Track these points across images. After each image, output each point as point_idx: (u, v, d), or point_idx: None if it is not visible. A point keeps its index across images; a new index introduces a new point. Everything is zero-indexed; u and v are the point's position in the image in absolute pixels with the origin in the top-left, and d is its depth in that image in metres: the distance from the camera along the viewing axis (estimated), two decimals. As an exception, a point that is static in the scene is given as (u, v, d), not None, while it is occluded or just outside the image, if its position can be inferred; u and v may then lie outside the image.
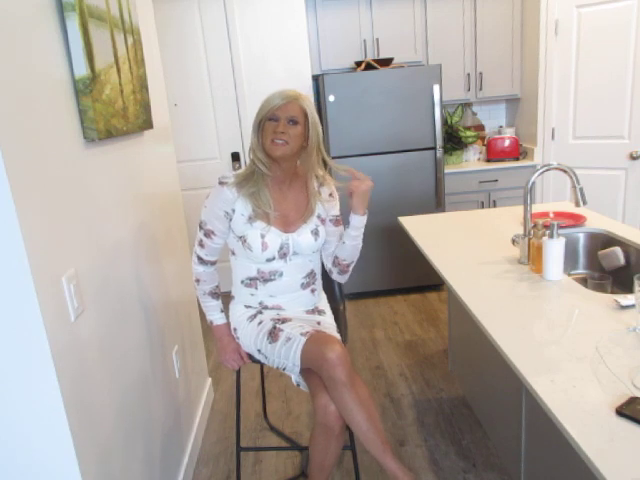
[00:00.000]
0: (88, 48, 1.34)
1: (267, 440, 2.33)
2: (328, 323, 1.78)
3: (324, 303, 1.89)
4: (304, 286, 1.77)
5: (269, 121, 1.60)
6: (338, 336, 1.70)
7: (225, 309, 1.85)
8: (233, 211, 1.67)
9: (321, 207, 1.75)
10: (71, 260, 1.24)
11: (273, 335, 1.64)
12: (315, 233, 1.72)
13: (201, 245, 1.74)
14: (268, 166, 1.65)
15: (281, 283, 1.73)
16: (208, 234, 1.71)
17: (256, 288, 1.75)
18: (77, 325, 1.24)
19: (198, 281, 1.79)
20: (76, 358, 1.23)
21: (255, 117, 1.64)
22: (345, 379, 1.52)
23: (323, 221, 1.76)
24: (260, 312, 1.77)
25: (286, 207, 1.71)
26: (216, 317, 1.83)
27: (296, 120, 1.59)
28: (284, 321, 1.69)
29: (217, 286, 1.83)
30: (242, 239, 1.67)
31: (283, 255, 1.69)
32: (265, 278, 1.73)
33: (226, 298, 1.81)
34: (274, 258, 1.69)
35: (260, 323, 1.72)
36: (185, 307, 2.32)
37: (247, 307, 1.80)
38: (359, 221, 1.70)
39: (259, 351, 1.70)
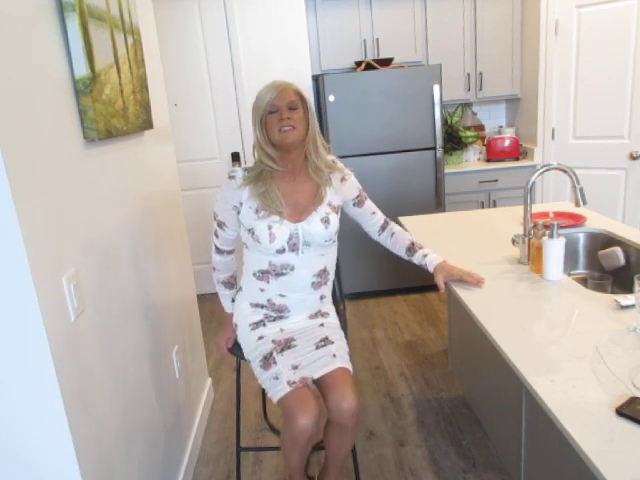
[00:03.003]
0: (88, 48, 1.34)
1: (267, 440, 2.33)
2: (332, 324, 1.78)
3: (329, 306, 1.87)
4: (315, 286, 1.73)
5: (270, 114, 1.59)
6: (342, 343, 1.72)
7: None
8: (241, 204, 1.68)
9: (333, 194, 1.73)
10: (71, 260, 1.24)
11: (266, 364, 1.63)
12: (325, 221, 1.68)
13: (216, 235, 1.80)
14: (277, 160, 1.64)
15: (292, 278, 1.70)
16: (220, 225, 1.76)
17: (268, 282, 1.72)
18: (77, 325, 1.24)
19: (214, 269, 1.86)
20: (76, 358, 1.23)
21: (253, 115, 1.63)
22: (305, 443, 1.59)
23: (335, 209, 1.72)
24: (264, 324, 1.74)
25: (296, 197, 1.69)
26: (227, 305, 1.91)
27: (295, 104, 1.60)
28: (283, 348, 1.67)
29: (232, 276, 1.88)
30: (251, 231, 1.67)
31: (293, 246, 1.66)
32: (277, 272, 1.69)
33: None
34: (284, 250, 1.66)
35: (260, 339, 1.70)
36: (185, 307, 2.32)
37: (253, 306, 1.77)
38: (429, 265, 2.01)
39: (250, 362, 1.73)
